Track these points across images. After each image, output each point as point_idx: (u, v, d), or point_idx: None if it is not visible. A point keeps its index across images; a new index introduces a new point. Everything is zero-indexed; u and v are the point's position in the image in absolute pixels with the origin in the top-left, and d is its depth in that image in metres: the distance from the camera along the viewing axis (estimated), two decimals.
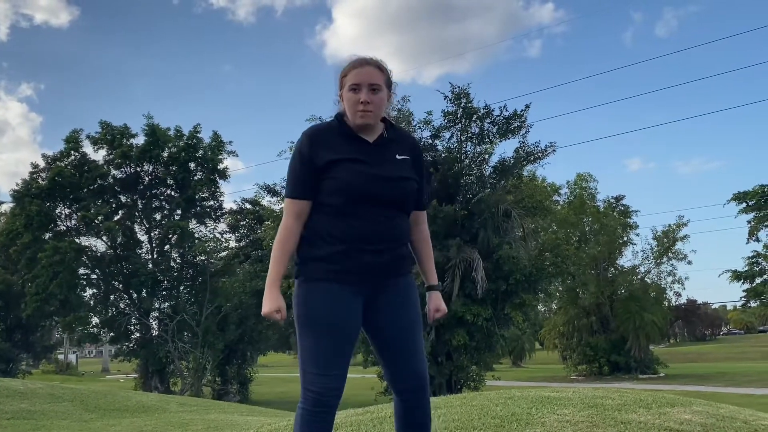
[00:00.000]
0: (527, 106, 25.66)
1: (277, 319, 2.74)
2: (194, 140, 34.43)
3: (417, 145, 2.95)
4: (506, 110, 25.44)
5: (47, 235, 33.15)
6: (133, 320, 33.60)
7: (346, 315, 2.73)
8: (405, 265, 2.88)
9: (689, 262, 51.05)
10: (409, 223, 2.88)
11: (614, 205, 45.69)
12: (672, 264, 47.71)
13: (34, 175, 33.38)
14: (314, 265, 2.75)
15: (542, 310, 48.99)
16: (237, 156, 44.52)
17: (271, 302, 2.71)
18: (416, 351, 2.86)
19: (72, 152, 33.53)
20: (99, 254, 34.47)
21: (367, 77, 2.77)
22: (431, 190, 24.62)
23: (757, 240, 40.00)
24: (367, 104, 2.75)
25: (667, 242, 46.98)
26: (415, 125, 25.20)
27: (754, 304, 48.01)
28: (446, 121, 25.34)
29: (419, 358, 2.86)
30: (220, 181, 35.83)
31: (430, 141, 25.59)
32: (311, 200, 2.77)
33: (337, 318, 2.71)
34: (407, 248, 2.90)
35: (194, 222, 35.81)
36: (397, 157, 2.82)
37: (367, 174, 2.72)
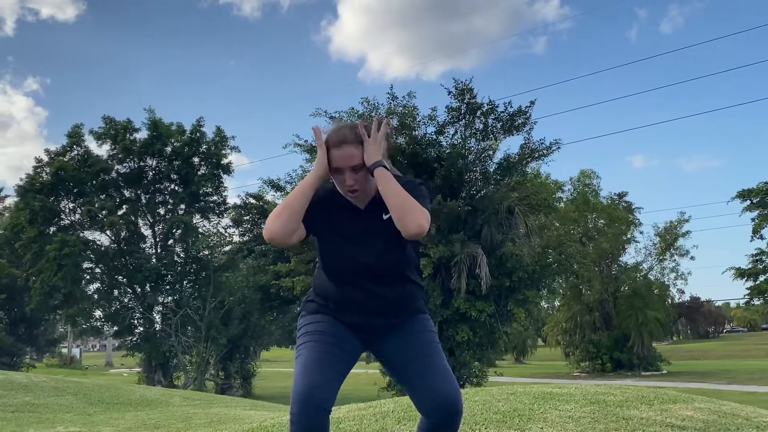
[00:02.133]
0: (532, 103, 25.62)
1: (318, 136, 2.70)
2: (198, 134, 34.48)
3: (411, 186, 2.73)
4: (510, 107, 25.43)
5: (51, 230, 33.22)
6: (137, 314, 33.67)
7: (336, 330, 2.72)
8: (405, 316, 2.82)
9: (692, 258, 50.96)
10: (410, 291, 2.81)
11: (617, 201, 45.67)
12: (675, 260, 47.77)
13: (38, 170, 33.45)
14: (311, 305, 2.83)
15: (545, 306, 48.97)
16: (239, 151, 44.44)
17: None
18: (433, 372, 2.69)
19: (74, 147, 33.59)
20: (103, 248, 34.55)
21: (346, 161, 2.68)
22: (436, 185, 24.62)
23: (761, 237, 39.92)
24: (354, 187, 2.70)
25: (669, 238, 47.01)
26: (419, 121, 25.19)
27: (758, 302, 47.83)
28: (450, 116, 25.33)
29: (441, 378, 2.68)
30: (224, 176, 35.90)
31: (434, 137, 25.59)
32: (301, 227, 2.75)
33: (325, 330, 2.71)
34: (411, 303, 2.83)
35: (198, 217, 35.87)
36: (384, 217, 2.73)
37: (346, 252, 2.73)
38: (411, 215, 2.58)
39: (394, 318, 2.79)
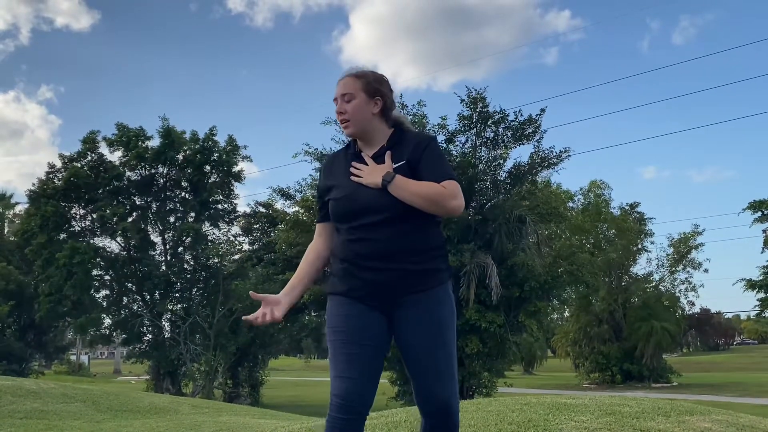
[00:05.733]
0: (542, 111, 25.55)
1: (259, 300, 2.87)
2: (210, 143, 34.51)
3: (422, 141, 2.82)
4: (521, 115, 25.38)
5: (62, 236, 33.26)
6: (146, 322, 33.66)
7: (357, 322, 2.72)
8: (421, 282, 2.74)
9: (705, 270, 50.49)
10: (423, 234, 2.75)
11: (629, 212, 45.49)
12: (688, 271, 47.49)
13: (50, 176, 33.52)
14: (331, 279, 2.84)
15: (555, 317, 48.72)
16: (251, 161, 44.47)
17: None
18: (432, 372, 2.72)
19: (89, 153, 33.67)
20: (113, 255, 34.58)
21: (340, 89, 2.85)
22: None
23: None
24: (341, 114, 2.82)
25: (682, 250, 46.75)
26: (430, 129, 25.16)
27: None
28: (461, 125, 25.30)
29: (437, 382, 2.72)
30: (235, 184, 35.93)
31: (444, 145, 25.55)
32: (327, 223, 2.92)
33: (347, 325, 2.72)
34: (427, 264, 2.76)
35: (208, 225, 35.86)
36: (392, 166, 2.77)
37: (348, 195, 2.76)
38: (442, 206, 2.68)
39: (408, 271, 2.71)
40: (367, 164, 2.78)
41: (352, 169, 2.79)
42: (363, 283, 2.72)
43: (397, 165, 2.74)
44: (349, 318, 2.73)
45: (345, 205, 2.76)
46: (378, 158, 2.79)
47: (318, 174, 28.00)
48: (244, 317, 2.90)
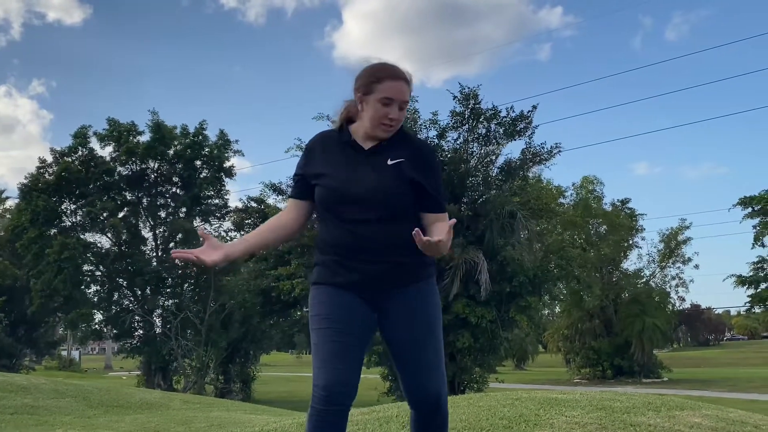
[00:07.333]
0: (534, 107, 25.64)
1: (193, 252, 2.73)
2: (200, 137, 34.41)
3: (422, 147, 2.82)
4: (513, 111, 25.44)
5: (52, 231, 33.15)
6: (137, 317, 33.59)
7: (344, 311, 2.70)
8: (411, 275, 2.75)
9: (696, 266, 50.60)
10: (412, 229, 2.63)
11: (620, 208, 45.59)
12: (679, 267, 47.68)
13: (41, 170, 33.39)
14: (317, 269, 2.80)
15: (546, 312, 48.83)
16: (243, 155, 44.46)
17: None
18: (423, 366, 2.76)
19: (80, 148, 33.54)
20: (104, 251, 34.48)
21: (401, 94, 2.72)
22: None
23: (763, 245, 39.74)
24: (393, 121, 2.72)
25: (672, 245, 46.93)
26: (421, 124, 25.17)
27: (759, 310, 47.76)
28: (453, 121, 25.32)
29: (427, 374, 2.75)
30: (226, 180, 35.84)
31: (435, 141, 25.57)
32: (300, 200, 2.85)
33: (334, 314, 2.69)
34: (418, 257, 2.69)
35: (199, 220, 35.79)
36: (389, 162, 2.72)
37: (343, 186, 2.70)
38: (444, 248, 2.57)
39: (399, 264, 2.71)
40: (358, 158, 2.75)
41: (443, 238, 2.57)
42: (352, 274, 2.71)
43: (394, 162, 2.71)
44: (336, 306, 2.71)
45: (336, 196, 2.71)
46: (375, 153, 2.75)
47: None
48: (173, 251, 2.79)
